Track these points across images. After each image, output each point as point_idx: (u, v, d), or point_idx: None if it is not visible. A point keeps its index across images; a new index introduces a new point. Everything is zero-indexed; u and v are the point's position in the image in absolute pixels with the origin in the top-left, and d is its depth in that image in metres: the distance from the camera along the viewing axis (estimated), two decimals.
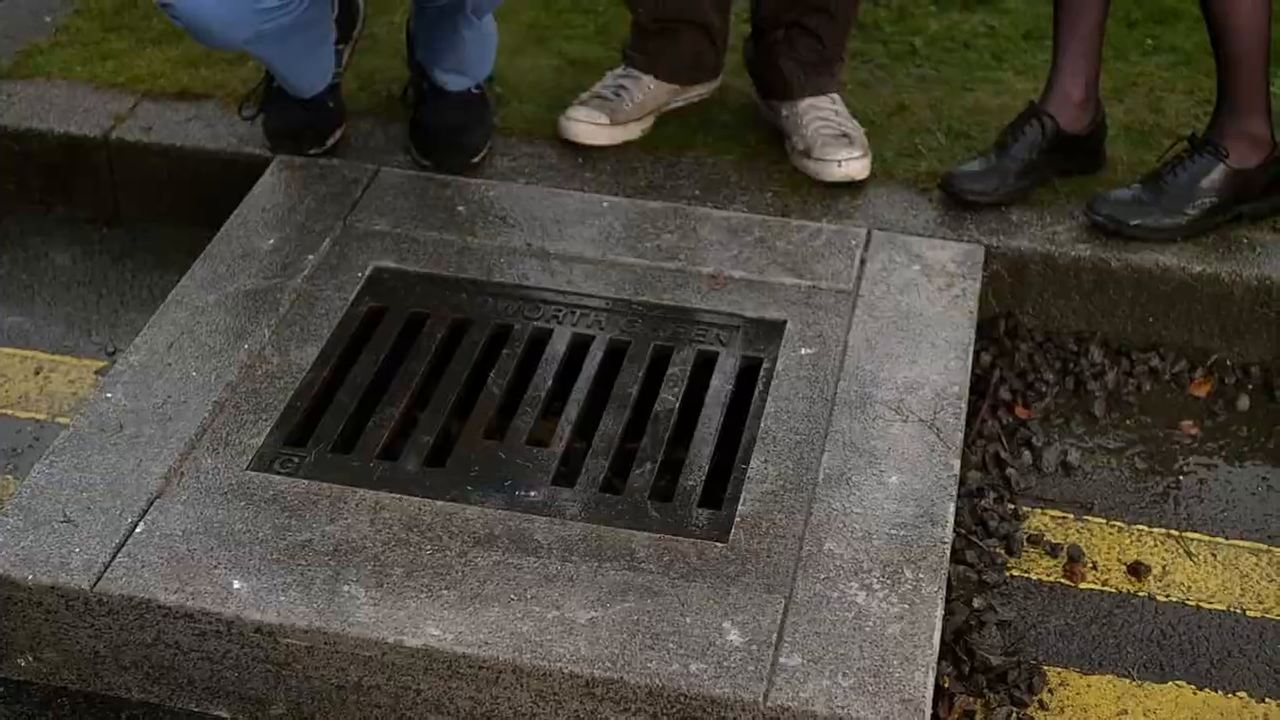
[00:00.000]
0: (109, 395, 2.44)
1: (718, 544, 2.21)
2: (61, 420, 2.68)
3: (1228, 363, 2.84)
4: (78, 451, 2.33)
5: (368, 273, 2.71)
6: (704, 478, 2.34)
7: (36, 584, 2.14)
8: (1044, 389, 2.77)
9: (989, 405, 2.71)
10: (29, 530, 2.20)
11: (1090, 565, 2.45)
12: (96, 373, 2.79)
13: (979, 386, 2.73)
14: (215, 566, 2.15)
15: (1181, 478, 2.62)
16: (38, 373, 2.80)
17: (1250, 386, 2.80)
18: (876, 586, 2.15)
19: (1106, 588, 2.42)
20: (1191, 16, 3.44)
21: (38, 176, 3.18)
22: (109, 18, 3.51)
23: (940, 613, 2.13)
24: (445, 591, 2.12)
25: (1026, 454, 2.64)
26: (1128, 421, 2.73)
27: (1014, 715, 2.20)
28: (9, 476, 2.57)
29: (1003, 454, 2.63)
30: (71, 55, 3.37)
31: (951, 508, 2.28)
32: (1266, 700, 2.24)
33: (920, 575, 2.16)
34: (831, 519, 2.25)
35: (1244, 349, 2.83)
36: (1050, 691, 2.25)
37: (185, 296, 2.64)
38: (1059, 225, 2.86)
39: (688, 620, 2.08)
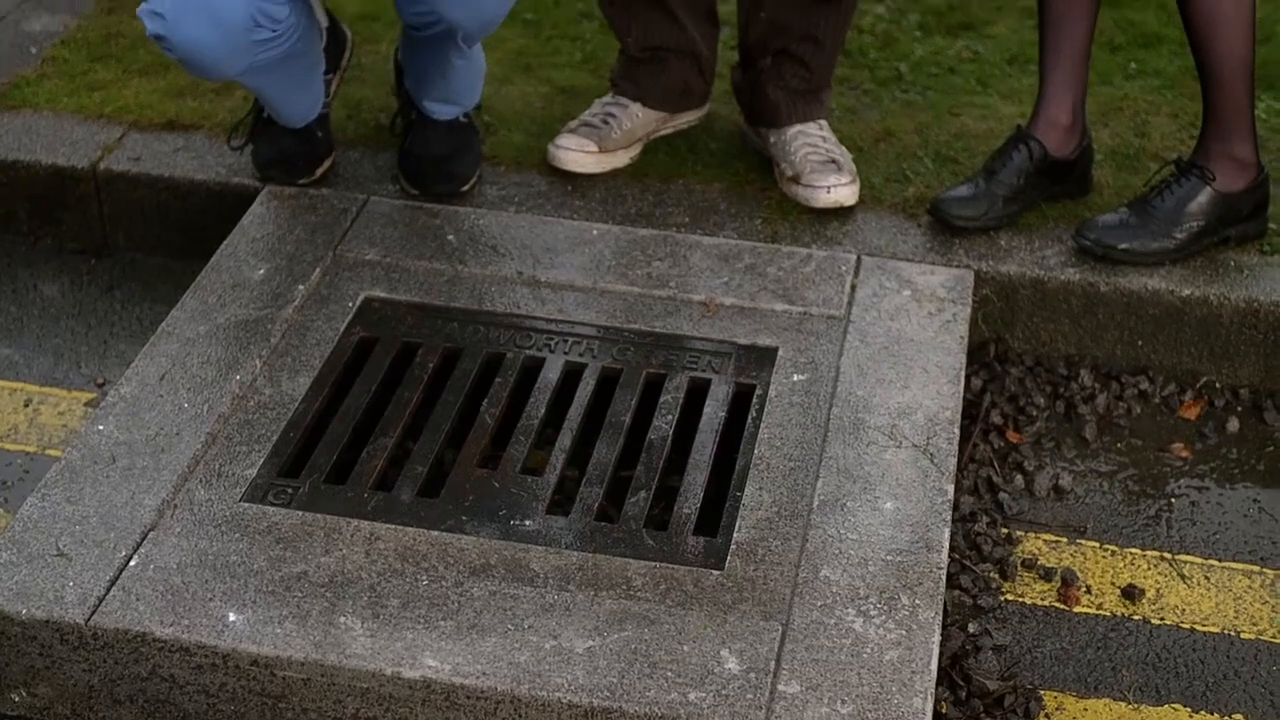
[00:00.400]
0: (100, 427, 2.43)
1: (714, 572, 2.21)
2: (52, 453, 2.67)
3: (1217, 385, 2.85)
4: (70, 484, 2.33)
5: (358, 302, 2.71)
6: (699, 505, 2.34)
7: (30, 618, 2.13)
8: (1035, 413, 2.77)
9: (980, 430, 2.72)
10: (22, 564, 2.19)
11: (1084, 589, 2.45)
12: (86, 404, 2.78)
13: (970, 411, 2.73)
14: (210, 599, 2.14)
15: (1173, 500, 2.63)
16: (27, 405, 2.79)
17: (1240, 409, 2.81)
18: (873, 613, 2.15)
19: (1101, 611, 2.42)
20: (1175, 40, 3.46)
21: (25, 208, 3.18)
22: (96, 48, 3.50)
23: (937, 639, 2.13)
24: (442, 622, 2.12)
25: (1019, 478, 2.65)
26: (1119, 445, 2.74)
27: None
28: (0, 510, 2.56)
29: (995, 478, 2.64)
30: (58, 86, 3.37)
31: (946, 533, 2.28)
32: None
33: (917, 601, 2.17)
34: (827, 545, 2.25)
35: (1233, 371, 2.84)
36: (1047, 716, 2.25)
37: (176, 327, 2.64)
38: (1048, 250, 2.87)
39: (685, 649, 2.08)
